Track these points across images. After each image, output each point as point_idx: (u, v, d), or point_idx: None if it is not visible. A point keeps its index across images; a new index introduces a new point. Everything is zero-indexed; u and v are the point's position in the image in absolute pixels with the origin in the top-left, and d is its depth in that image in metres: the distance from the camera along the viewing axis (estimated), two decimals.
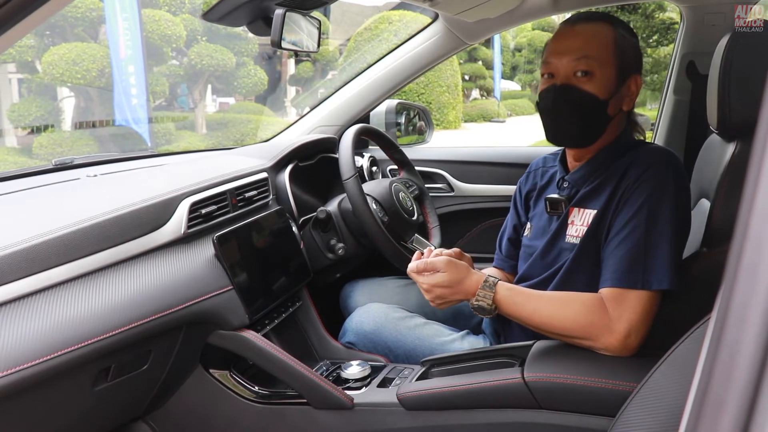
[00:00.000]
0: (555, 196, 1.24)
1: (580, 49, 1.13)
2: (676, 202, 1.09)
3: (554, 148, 1.36)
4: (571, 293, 1.12)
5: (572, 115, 1.15)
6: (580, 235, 1.17)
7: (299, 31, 1.36)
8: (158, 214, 1.17)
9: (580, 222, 1.18)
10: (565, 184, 1.25)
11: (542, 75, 1.20)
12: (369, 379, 1.27)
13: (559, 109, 1.16)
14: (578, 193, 1.21)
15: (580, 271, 1.15)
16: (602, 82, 1.13)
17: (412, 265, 1.21)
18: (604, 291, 1.09)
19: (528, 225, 1.35)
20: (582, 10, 1.48)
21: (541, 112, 1.21)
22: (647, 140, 1.27)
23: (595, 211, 1.16)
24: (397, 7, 11.57)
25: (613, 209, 1.13)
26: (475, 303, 1.14)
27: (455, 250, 1.31)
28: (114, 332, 0.97)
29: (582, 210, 1.19)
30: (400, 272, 1.59)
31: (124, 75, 7.31)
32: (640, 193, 1.09)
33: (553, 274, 1.20)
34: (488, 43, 15.73)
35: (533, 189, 1.37)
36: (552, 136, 1.23)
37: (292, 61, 14.16)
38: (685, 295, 1.06)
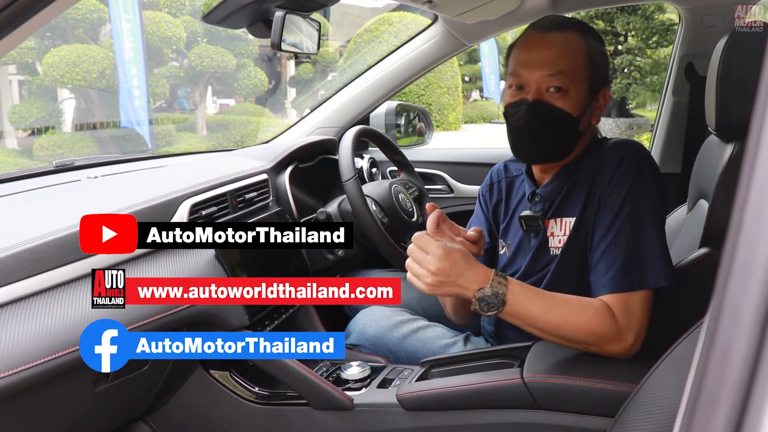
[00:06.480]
0: (529, 213, 1.18)
1: (554, 63, 1.07)
2: (654, 194, 1.07)
3: None
4: (582, 298, 1.05)
5: (544, 133, 1.10)
6: (562, 244, 1.14)
7: (299, 32, 1.36)
8: (159, 215, 1.18)
9: (560, 232, 1.15)
10: (537, 198, 1.19)
11: (509, 86, 1.13)
12: (369, 380, 1.27)
13: (531, 126, 1.09)
14: (552, 206, 1.17)
15: (564, 280, 1.12)
16: (575, 99, 1.08)
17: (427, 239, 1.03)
18: (606, 298, 1.04)
19: (502, 243, 1.29)
20: (575, 13, 1.48)
21: (510, 128, 1.14)
22: (636, 140, 1.22)
23: (574, 219, 1.13)
24: (397, 8, 11.54)
25: (594, 212, 1.10)
26: (488, 292, 0.98)
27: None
28: None
29: (559, 219, 1.16)
30: (400, 271, 1.58)
31: (128, 77, 7.32)
32: (618, 192, 1.06)
33: (536, 284, 1.12)
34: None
35: (500, 202, 1.31)
36: (520, 154, 1.18)
37: (292, 62, 14.16)
38: (684, 295, 1.07)
